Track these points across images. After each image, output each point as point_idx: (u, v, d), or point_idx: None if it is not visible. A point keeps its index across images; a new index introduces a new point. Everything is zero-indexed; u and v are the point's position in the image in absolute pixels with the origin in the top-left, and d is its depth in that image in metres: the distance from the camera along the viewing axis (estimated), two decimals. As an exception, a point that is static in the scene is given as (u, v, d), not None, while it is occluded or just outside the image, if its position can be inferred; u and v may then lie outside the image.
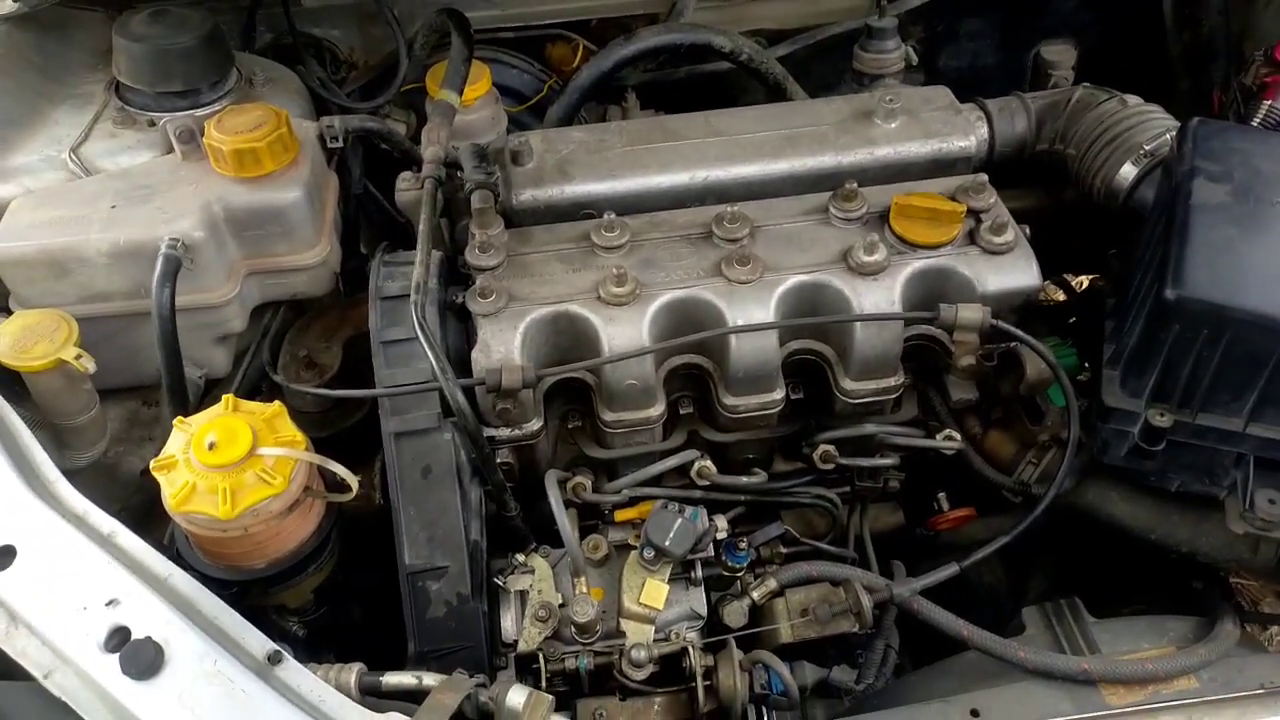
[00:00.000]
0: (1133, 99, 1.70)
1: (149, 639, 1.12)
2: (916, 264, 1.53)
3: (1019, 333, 1.47)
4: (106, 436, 1.60)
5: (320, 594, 1.50)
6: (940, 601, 1.49)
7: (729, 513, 1.59)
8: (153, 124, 1.69)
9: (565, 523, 1.43)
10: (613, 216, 1.56)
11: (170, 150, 1.66)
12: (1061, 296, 2.02)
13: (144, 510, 1.50)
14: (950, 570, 1.52)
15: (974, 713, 1.35)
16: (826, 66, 2.19)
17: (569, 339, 1.50)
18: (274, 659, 1.16)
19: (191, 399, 1.60)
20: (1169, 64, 2.15)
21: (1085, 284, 2.15)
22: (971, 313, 1.44)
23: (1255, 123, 1.69)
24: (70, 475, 1.36)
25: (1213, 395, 1.36)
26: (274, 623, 1.47)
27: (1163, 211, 1.43)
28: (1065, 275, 2.17)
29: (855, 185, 1.58)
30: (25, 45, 1.74)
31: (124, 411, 1.66)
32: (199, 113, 1.69)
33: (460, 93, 1.74)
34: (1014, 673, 1.39)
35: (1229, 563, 1.54)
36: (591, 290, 1.50)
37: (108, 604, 1.15)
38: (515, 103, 2.11)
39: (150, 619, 1.14)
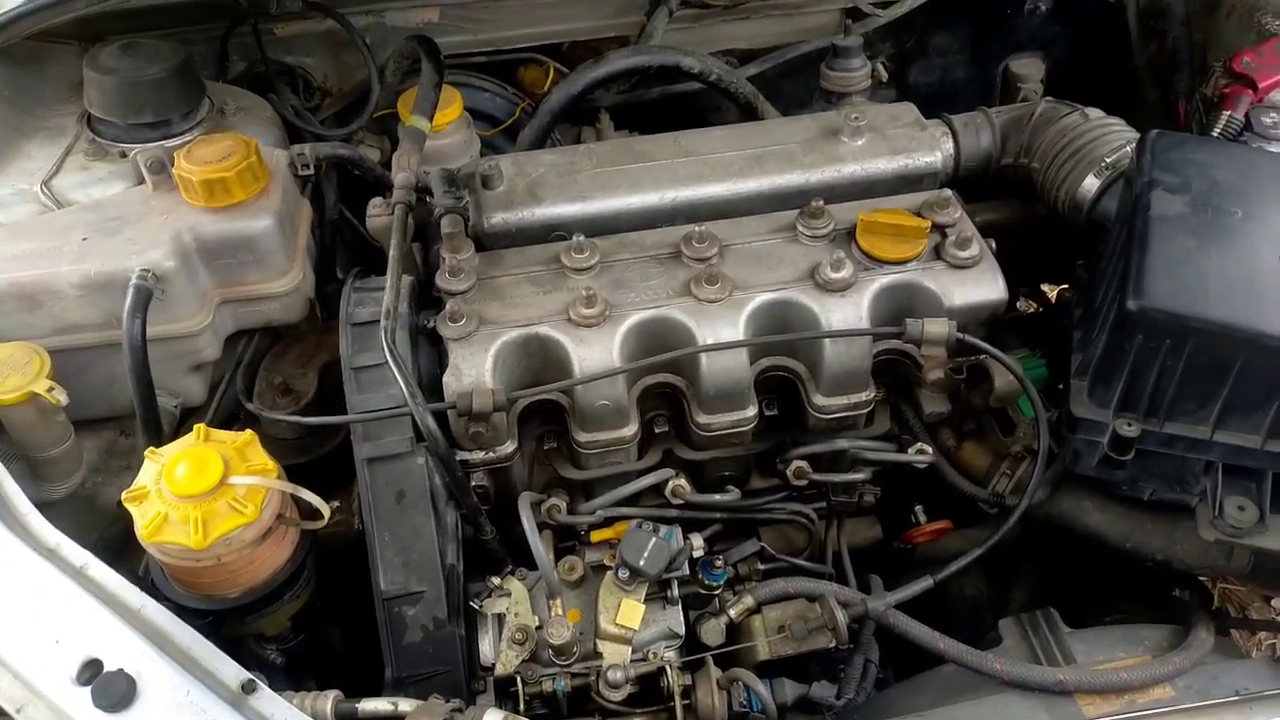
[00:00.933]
0: (1094, 112, 1.72)
1: (121, 671, 1.12)
2: (883, 279, 1.54)
3: (985, 345, 1.49)
4: (83, 468, 1.60)
5: (298, 621, 1.50)
6: (922, 615, 1.49)
7: (705, 531, 1.60)
8: (124, 155, 1.70)
9: (538, 545, 1.43)
10: (582, 238, 1.57)
11: (142, 181, 1.66)
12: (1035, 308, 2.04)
13: (121, 540, 1.49)
14: (924, 583, 1.53)
15: (950, 726, 1.35)
16: (798, 85, 2.21)
17: (540, 361, 1.51)
18: (248, 688, 1.16)
19: (167, 428, 1.60)
20: (1135, 76, 2.18)
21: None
22: (937, 327, 1.46)
23: (1215, 133, 1.71)
24: (47, 507, 1.36)
25: (1178, 404, 1.37)
26: (252, 651, 1.47)
27: (1123, 223, 1.45)
28: (1043, 286, 2.19)
29: (821, 203, 1.60)
30: (-4, 79, 1.76)
31: (101, 442, 1.66)
32: (170, 143, 1.70)
33: (431, 118, 1.76)
34: (990, 685, 1.39)
35: (1204, 570, 1.55)
36: (562, 312, 1.51)
37: (80, 637, 1.15)
38: (488, 126, 2.12)
39: (123, 651, 1.14)
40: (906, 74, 2.32)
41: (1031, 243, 1.84)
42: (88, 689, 1.10)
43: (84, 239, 1.55)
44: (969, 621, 1.74)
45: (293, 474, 1.40)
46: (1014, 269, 1.60)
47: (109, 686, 1.10)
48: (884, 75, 2.14)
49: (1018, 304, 2.14)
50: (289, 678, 1.47)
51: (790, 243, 1.61)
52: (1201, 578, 1.79)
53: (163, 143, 1.70)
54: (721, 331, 1.50)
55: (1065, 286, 1.94)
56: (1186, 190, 1.42)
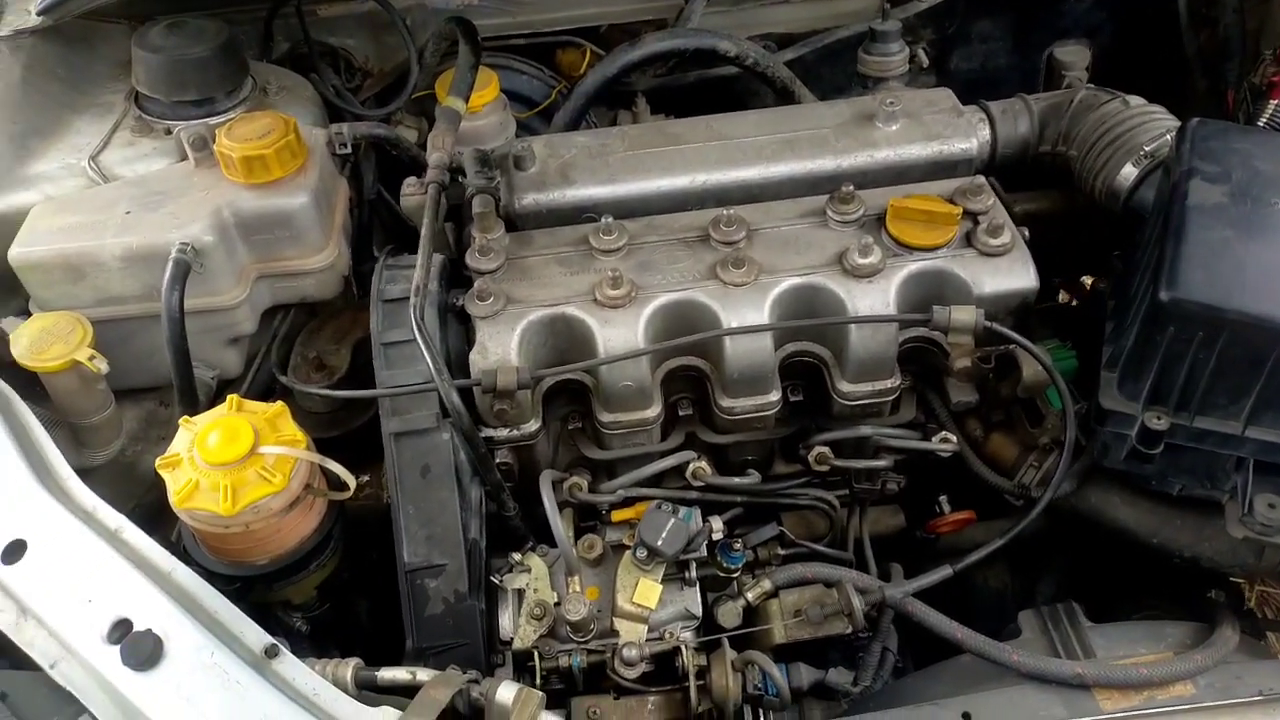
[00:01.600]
0: (1135, 100, 1.68)
1: (150, 631, 1.16)
2: (912, 266, 1.53)
3: (1012, 334, 1.47)
4: (123, 435, 1.65)
5: (324, 590, 1.53)
6: (945, 605, 1.48)
7: (725, 514, 1.60)
8: (169, 132, 1.74)
9: (558, 522, 1.44)
10: (610, 220, 1.58)
11: (185, 158, 1.70)
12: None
13: (158, 507, 1.53)
14: (943, 572, 1.51)
15: (966, 716, 1.33)
16: (837, 70, 2.19)
17: (566, 341, 1.53)
18: (271, 652, 1.19)
19: (204, 399, 1.65)
20: (1185, 64, 2.13)
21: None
22: (965, 315, 1.44)
23: (1261, 122, 1.67)
24: (88, 473, 1.40)
25: (1210, 398, 1.34)
26: (279, 618, 1.50)
27: (1160, 213, 1.42)
28: (1082, 278, 2.15)
29: (851, 188, 1.59)
30: (50, 57, 1.80)
31: (141, 411, 1.71)
32: (214, 121, 1.74)
33: (467, 99, 1.78)
34: (1008, 676, 1.38)
35: (1233, 568, 1.52)
36: (588, 293, 1.52)
37: (112, 597, 1.19)
38: (525, 108, 2.14)
39: (152, 612, 1.18)
40: (948, 60, 2.28)
41: (1071, 233, 1.81)
42: (117, 647, 1.15)
43: (127, 213, 1.60)
44: (993, 613, 1.71)
45: (325, 447, 1.43)
46: (1053, 260, 1.57)
47: (137, 645, 1.14)
48: (925, 61, 2.11)
49: (1057, 296, 2.11)
50: (314, 645, 1.51)
51: (819, 227, 1.60)
52: (1233, 578, 1.76)
53: (206, 120, 1.74)
54: (746, 315, 1.50)
55: (1098, 277, 1.90)
56: (1226, 180, 1.38)
